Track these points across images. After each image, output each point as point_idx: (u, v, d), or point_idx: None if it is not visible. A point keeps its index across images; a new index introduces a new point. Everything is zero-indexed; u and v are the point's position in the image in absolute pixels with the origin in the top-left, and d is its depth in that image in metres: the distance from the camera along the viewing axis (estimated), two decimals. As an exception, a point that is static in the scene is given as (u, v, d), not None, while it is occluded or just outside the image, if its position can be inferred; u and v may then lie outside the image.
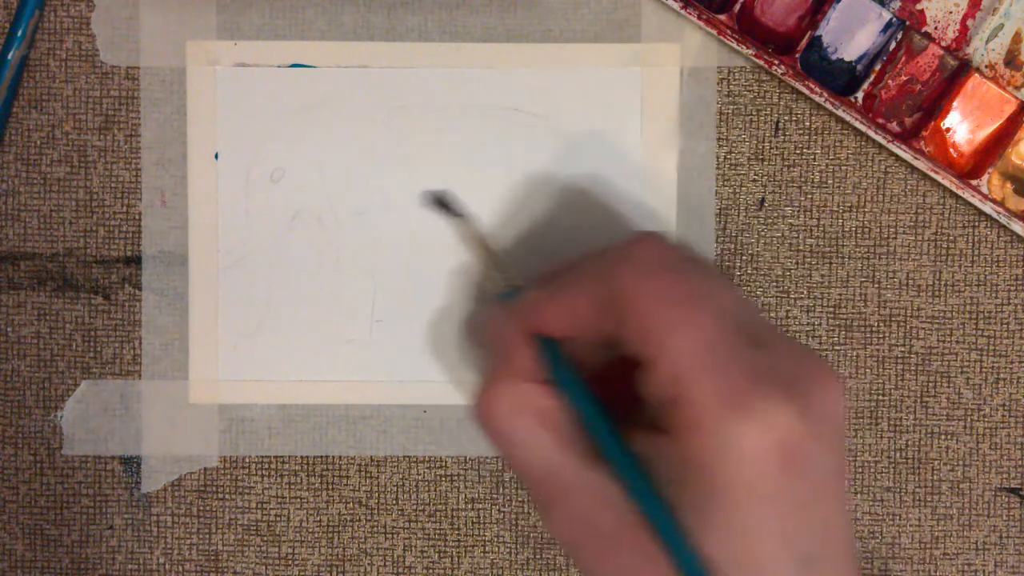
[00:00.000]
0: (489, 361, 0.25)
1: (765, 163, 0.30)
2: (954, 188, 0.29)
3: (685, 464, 0.21)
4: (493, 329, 0.25)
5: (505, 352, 0.24)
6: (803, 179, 0.30)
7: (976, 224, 0.30)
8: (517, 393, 0.24)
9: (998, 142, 0.29)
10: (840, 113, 0.29)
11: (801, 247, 0.30)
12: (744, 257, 0.30)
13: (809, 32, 0.29)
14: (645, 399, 0.23)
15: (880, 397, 0.30)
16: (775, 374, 0.21)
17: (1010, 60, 0.29)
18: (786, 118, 0.30)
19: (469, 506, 0.30)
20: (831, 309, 0.30)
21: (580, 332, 0.24)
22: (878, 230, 0.30)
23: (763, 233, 0.30)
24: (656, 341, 0.22)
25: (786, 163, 0.30)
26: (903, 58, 0.29)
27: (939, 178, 0.29)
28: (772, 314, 0.30)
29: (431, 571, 0.31)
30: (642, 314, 0.22)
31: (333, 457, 0.30)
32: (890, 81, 0.29)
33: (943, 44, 0.29)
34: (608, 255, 0.24)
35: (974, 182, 0.29)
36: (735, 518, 0.21)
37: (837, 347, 0.30)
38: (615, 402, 0.24)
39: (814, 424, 0.21)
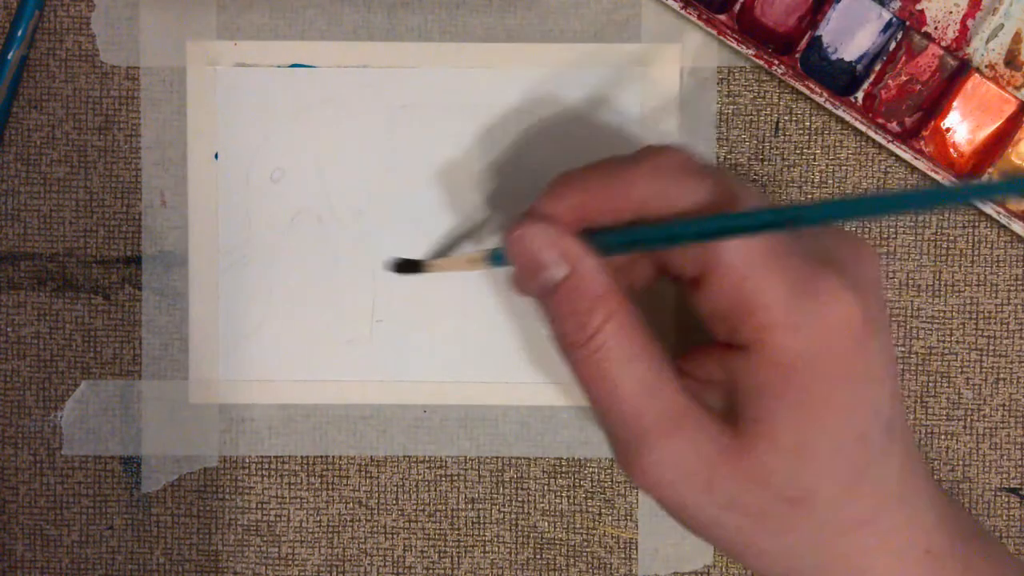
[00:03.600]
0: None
1: (765, 163, 0.30)
2: (954, 188, 0.29)
3: (762, 368, 0.21)
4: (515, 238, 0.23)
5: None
6: (803, 179, 0.30)
7: (976, 224, 0.30)
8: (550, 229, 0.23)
9: (998, 142, 0.29)
10: (840, 113, 0.29)
11: (801, 247, 0.30)
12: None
13: (809, 32, 0.29)
14: (702, 317, 0.23)
15: (880, 397, 0.30)
16: (826, 257, 0.22)
17: (1010, 60, 0.29)
18: (786, 118, 0.30)
19: (469, 506, 0.30)
20: (831, 309, 0.30)
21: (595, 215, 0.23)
22: (878, 230, 0.30)
23: (763, 233, 0.30)
24: (709, 251, 0.21)
25: (786, 163, 0.30)
26: (903, 58, 0.29)
27: (939, 178, 0.29)
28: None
29: (431, 571, 0.31)
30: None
31: (333, 457, 0.30)
32: (890, 81, 0.29)
33: (943, 44, 0.29)
34: (627, 160, 0.23)
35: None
36: (829, 402, 0.21)
37: (837, 347, 0.30)
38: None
39: (870, 299, 0.22)
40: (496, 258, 0.26)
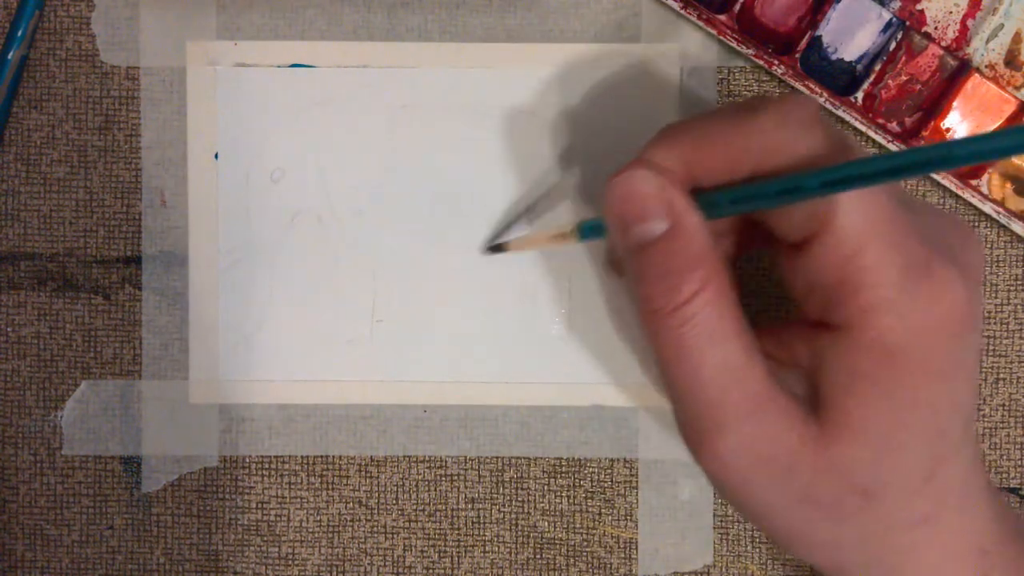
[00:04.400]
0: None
1: (765, 163, 0.30)
2: (954, 188, 0.29)
3: (858, 352, 0.20)
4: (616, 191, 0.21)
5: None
6: (803, 179, 0.30)
7: (976, 224, 0.30)
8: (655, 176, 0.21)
9: (998, 142, 0.29)
10: (840, 113, 0.29)
11: (801, 247, 0.30)
12: (745, 257, 0.30)
13: (809, 32, 0.29)
14: (794, 287, 0.21)
15: (880, 397, 0.30)
16: (938, 241, 0.20)
17: (1010, 60, 0.29)
18: (786, 118, 0.30)
19: (469, 506, 0.30)
20: (831, 309, 0.30)
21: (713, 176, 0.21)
22: (878, 230, 0.30)
23: (763, 233, 0.30)
24: (826, 212, 0.20)
25: (786, 163, 0.30)
26: (903, 58, 0.29)
27: (939, 178, 0.29)
28: (772, 315, 0.30)
29: (431, 571, 0.31)
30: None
31: (333, 457, 0.30)
32: (890, 81, 0.29)
33: (943, 44, 0.29)
34: (745, 109, 0.21)
35: (974, 182, 0.29)
36: (921, 394, 0.20)
37: (837, 347, 0.30)
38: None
39: (975, 290, 0.21)
40: (585, 230, 0.25)
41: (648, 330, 0.21)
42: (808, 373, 0.22)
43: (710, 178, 0.21)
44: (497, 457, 0.30)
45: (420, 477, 0.30)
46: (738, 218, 0.23)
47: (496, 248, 0.29)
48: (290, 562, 0.31)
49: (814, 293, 0.21)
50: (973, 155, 0.18)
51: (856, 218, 0.20)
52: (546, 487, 0.30)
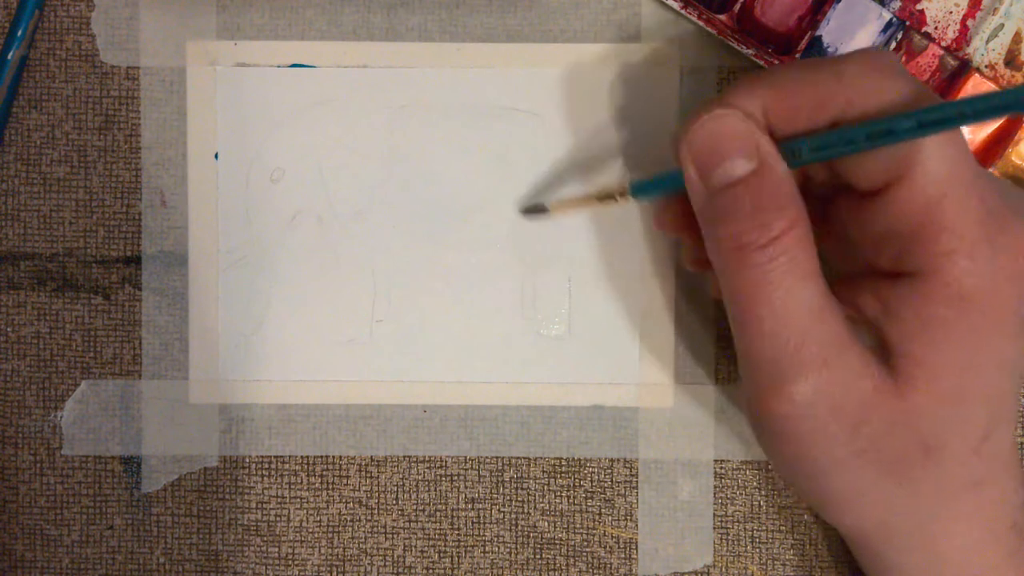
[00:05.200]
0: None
1: (765, 163, 0.30)
2: (954, 188, 0.29)
3: (933, 299, 0.20)
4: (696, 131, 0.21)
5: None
6: (803, 179, 0.30)
7: (976, 224, 0.30)
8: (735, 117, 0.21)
9: (998, 142, 0.29)
10: (840, 113, 0.29)
11: (801, 247, 0.30)
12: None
13: (809, 32, 0.29)
14: (864, 238, 0.21)
15: (880, 397, 0.30)
16: (1013, 200, 0.21)
17: (1010, 60, 0.29)
18: (786, 118, 0.30)
19: (469, 506, 0.30)
20: (831, 309, 0.30)
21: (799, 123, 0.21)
22: (878, 230, 0.30)
23: (763, 233, 0.30)
24: (912, 157, 0.20)
25: (786, 163, 0.30)
26: (903, 58, 0.29)
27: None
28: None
29: (431, 571, 0.31)
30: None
31: (333, 457, 0.30)
32: (890, 81, 0.29)
33: (943, 44, 0.29)
34: (832, 59, 0.21)
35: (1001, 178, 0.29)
36: (989, 348, 0.20)
37: (837, 347, 0.30)
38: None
39: None
40: (637, 188, 0.24)
41: (729, 268, 0.21)
42: (875, 325, 0.21)
43: (789, 127, 0.21)
44: (497, 457, 0.30)
45: (420, 477, 0.30)
46: (802, 179, 0.23)
47: (534, 209, 0.29)
48: (290, 562, 0.31)
49: (888, 241, 0.21)
50: None
51: (940, 164, 0.20)
52: (546, 487, 0.30)
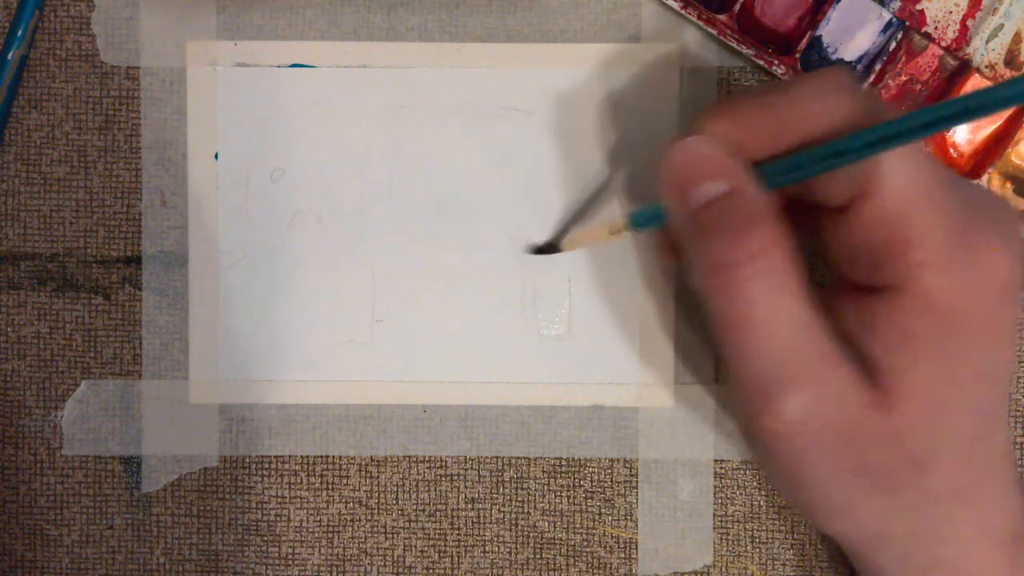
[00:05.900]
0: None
1: (765, 163, 0.30)
2: (954, 188, 0.29)
3: (908, 312, 0.20)
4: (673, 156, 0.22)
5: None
6: (803, 179, 0.30)
7: (976, 224, 0.30)
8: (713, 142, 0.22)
9: (998, 142, 0.29)
10: (840, 113, 0.29)
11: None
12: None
13: (809, 32, 0.29)
14: (839, 253, 0.21)
15: (880, 397, 0.30)
16: (980, 210, 0.21)
17: (1010, 60, 0.29)
18: (786, 118, 0.30)
19: (469, 506, 0.30)
20: (831, 309, 0.30)
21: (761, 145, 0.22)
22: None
23: (763, 233, 0.30)
24: (872, 173, 0.20)
25: (786, 163, 0.30)
26: (903, 58, 0.29)
27: (939, 178, 0.29)
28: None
29: (431, 571, 0.31)
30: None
31: (333, 457, 0.30)
32: (890, 81, 0.29)
33: (943, 44, 0.29)
34: (786, 84, 0.22)
35: (974, 182, 0.29)
36: (968, 359, 0.20)
37: (837, 347, 0.30)
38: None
39: (1017, 258, 0.21)
40: (636, 220, 0.25)
41: (712, 286, 0.21)
42: (855, 340, 0.21)
43: (763, 150, 0.22)
44: (497, 457, 0.30)
45: (420, 477, 0.30)
46: (781, 200, 0.24)
47: (546, 249, 0.29)
48: (290, 562, 0.31)
49: (861, 256, 0.21)
50: (1004, 100, 0.18)
51: (902, 178, 0.20)
52: (546, 487, 0.30)
